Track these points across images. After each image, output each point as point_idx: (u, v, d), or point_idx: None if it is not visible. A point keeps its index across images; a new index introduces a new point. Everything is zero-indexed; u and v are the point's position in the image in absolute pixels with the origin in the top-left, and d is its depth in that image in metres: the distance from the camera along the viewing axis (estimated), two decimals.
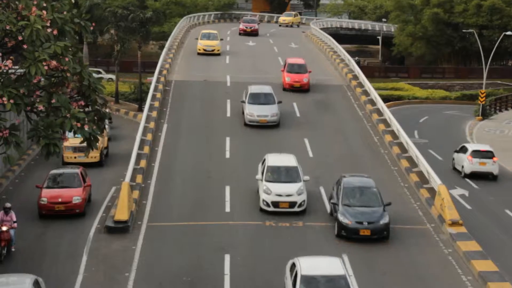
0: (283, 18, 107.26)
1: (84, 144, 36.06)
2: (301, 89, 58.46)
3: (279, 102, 50.53)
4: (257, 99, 50.07)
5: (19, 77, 24.21)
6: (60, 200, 35.12)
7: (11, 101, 23.25)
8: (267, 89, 51.52)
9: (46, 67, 23.69)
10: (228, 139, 46.48)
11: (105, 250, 31.35)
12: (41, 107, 24.27)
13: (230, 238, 32.73)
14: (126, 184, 35.40)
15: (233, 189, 38.53)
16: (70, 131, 24.31)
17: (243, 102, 50.66)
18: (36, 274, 26.92)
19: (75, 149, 44.54)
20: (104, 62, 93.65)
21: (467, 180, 44.60)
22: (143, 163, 41.64)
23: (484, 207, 39.43)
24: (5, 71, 23.73)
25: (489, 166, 46.24)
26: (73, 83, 25.01)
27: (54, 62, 24.05)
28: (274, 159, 37.53)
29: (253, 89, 51.21)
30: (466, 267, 30.07)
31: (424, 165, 40.07)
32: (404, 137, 45.46)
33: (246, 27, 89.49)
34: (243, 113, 50.33)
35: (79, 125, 24.13)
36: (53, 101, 24.08)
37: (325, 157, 44.17)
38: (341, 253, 30.69)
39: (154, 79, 58.28)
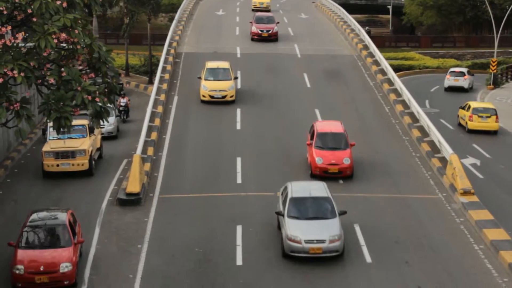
0: None
1: (69, 148, 35.74)
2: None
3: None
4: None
5: (29, 50, 24.18)
6: (42, 268, 25.19)
7: (22, 74, 23.23)
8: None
9: (55, 40, 23.62)
10: (239, 111, 46.43)
11: (117, 223, 31.47)
12: (51, 80, 24.25)
13: (242, 209, 32.78)
14: (138, 157, 35.46)
15: (244, 160, 38.55)
16: (81, 104, 24.28)
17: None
18: None
19: (58, 155, 36.64)
20: (114, 35, 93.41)
21: (477, 146, 44.46)
22: (154, 135, 41.70)
23: (496, 176, 39.35)
24: (15, 44, 23.70)
25: (461, 82, 65.80)
26: (83, 55, 24.94)
27: (63, 35, 23.99)
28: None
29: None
30: (478, 236, 30.06)
31: (435, 135, 40.00)
32: (415, 106, 45.36)
33: (262, 31, 65.80)
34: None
35: (90, 98, 24.09)
36: (64, 74, 24.04)
37: None
38: (353, 223, 30.75)
39: (164, 51, 58.22)
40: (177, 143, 41.57)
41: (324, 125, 38.15)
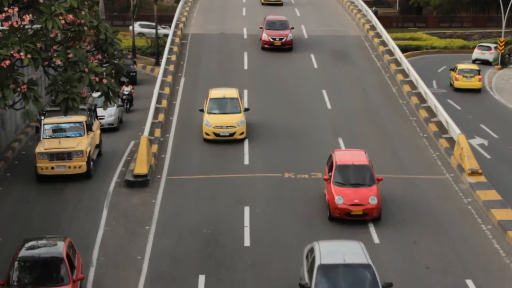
0: None
1: (65, 149, 33.52)
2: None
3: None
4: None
5: (36, 32, 24.12)
6: None
7: (29, 56, 23.19)
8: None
9: (62, 21, 23.59)
10: (246, 92, 46.36)
11: (125, 204, 31.52)
12: (58, 62, 24.21)
13: (250, 190, 32.80)
14: (145, 138, 35.47)
15: (252, 141, 38.52)
16: (88, 85, 24.27)
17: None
18: (57, 229, 27.25)
19: (53, 157, 33.58)
20: (120, 17, 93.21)
21: (484, 127, 44.34)
22: (161, 117, 41.68)
23: (503, 156, 39.26)
24: (22, 26, 23.66)
25: (487, 56, 69.03)
26: (90, 37, 24.91)
27: (70, 16, 23.94)
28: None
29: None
30: (486, 216, 30.04)
31: (443, 115, 39.92)
32: (422, 87, 45.26)
33: (274, 38, 56.14)
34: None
35: (97, 79, 24.07)
36: (71, 55, 24.01)
37: (344, 109, 44.04)
38: None
39: (171, 33, 58.15)
40: (185, 125, 41.56)
41: (344, 155, 31.56)
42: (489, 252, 27.04)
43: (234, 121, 38.69)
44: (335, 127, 40.27)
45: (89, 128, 35.42)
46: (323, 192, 31.41)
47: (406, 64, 50.20)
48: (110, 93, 24.89)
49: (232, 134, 38.48)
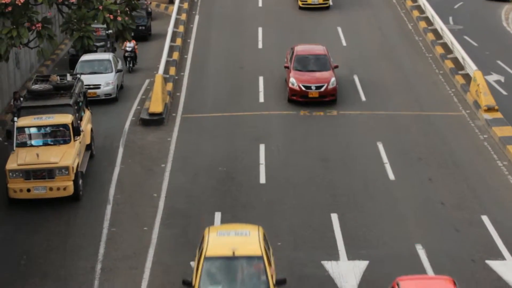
0: None
1: (45, 165, 25.33)
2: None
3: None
4: None
5: None
6: None
7: None
8: None
9: None
10: (260, 29, 46.11)
11: (140, 142, 31.60)
12: (72, 0, 24.13)
13: (265, 128, 32.80)
14: (160, 77, 35.41)
15: (266, 79, 38.43)
16: (103, 23, 24.16)
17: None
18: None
19: (29, 175, 25.52)
20: None
21: (501, 63, 44.04)
22: (175, 55, 41.57)
23: None
24: None
25: None
26: None
27: None
28: None
29: None
30: (502, 152, 29.97)
31: (459, 51, 39.61)
32: (438, 23, 44.86)
33: (308, 87, 35.04)
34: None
35: (111, 17, 23.96)
36: None
37: (359, 46, 43.77)
38: (375, 141, 30.74)
39: None
40: (199, 63, 41.45)
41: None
42: (504, 188, 27.03)
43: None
44: (350, 64, 40.04)
45: (77, 131, 26.90)
46: (339, 129, 31.41)
47: None
48: (125, 31, 24.80)
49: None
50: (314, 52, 36.63)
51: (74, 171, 25.70)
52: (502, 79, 40.86)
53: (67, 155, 25.93)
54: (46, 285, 21.57)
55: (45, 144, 26.48)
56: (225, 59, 41.86)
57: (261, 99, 36.13)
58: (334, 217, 24.83)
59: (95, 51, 39.10)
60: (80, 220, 25.16)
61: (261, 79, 38.41)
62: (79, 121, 27.92)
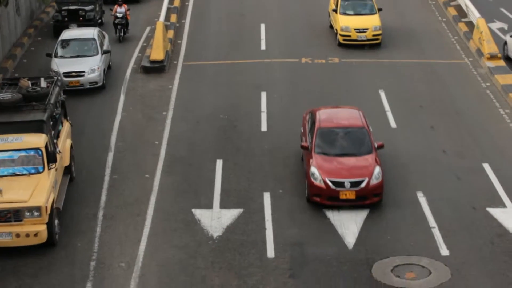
0: None
1: (10, 205, 19.40)
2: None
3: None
4: None
5: None
6: None
7: None
8: None
9: None
10: None
11: (142, 90, 31.51)
12: None
13: (266, 75, 32.69)
14: (161, 24, 35.20)
15: (268, 27, 38.22)
16: None
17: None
18: (75, 113, 27.30)
19: None
20: None
21: (504, 11, 43.76)
22: (177, 2, 41.30)
23: None
24: None
25: None
26: None
27: None
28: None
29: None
30: (504, 100, 29.89)
31: None
32: None
33: (341, 184, 22.16)
34: None
35: None
36: None
37: None
38: (378, 89, 30.66)
39: None
40: (201, 10, 41.19)
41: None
42: (506, 137, 26.99)
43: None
44: None
45: (52, 157, 20.98)
46: (341, 75, 31.29)
47: None
48: None
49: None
50: (347, 123, 24.27)
51: (48, 211, 19.77)
52: (505, 26, 40.59)
53: (39, 191, 20.03)
54: None
55: (11, 174, 20.59)
56: (226, 6, 41.61)
57: (263, 47, 35.96)
58: None
59: (84, 16, 37.65)
60: (82, 166, 25.17)
61: (262, 26, 38.19)
62: (55, 140, 22.26)
